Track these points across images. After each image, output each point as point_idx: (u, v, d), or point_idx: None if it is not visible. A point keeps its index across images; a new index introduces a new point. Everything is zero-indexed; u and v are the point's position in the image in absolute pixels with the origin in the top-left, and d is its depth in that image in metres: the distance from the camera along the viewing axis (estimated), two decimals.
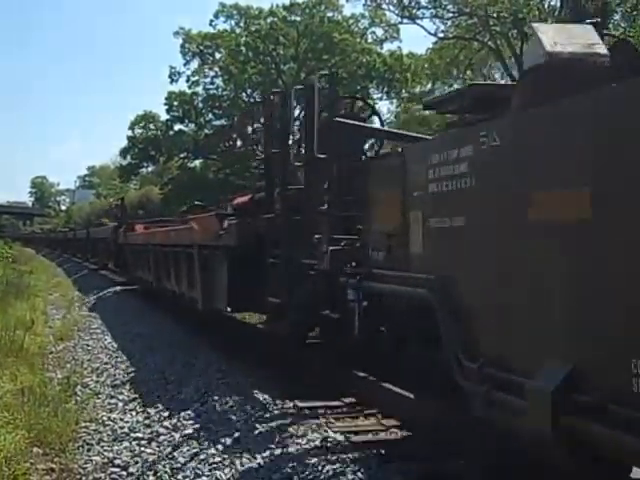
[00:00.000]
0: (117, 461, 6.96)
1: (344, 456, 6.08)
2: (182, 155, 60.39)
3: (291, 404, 7.73)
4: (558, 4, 43.32)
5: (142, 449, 7.20)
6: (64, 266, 40.95)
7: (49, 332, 15.04)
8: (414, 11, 48.80)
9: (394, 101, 58.95)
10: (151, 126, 62.00)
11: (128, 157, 63.27)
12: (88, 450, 7.35)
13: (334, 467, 5.87)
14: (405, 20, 50.77)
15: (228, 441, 6.86)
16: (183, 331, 13.54)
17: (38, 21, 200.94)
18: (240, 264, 10.12)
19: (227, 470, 6.20)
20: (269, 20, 57.16)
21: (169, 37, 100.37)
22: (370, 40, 57.13)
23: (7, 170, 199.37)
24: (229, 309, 11.33)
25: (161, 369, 10.53)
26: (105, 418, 8.41)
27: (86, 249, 38.17)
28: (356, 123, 8.26)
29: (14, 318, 14.72)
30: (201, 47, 58.43)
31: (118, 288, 23.49)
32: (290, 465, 6.05)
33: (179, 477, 6.26)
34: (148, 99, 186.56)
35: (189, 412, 8.08)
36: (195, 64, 59.25)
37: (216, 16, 58.76)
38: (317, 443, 6.47)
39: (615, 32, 32.14)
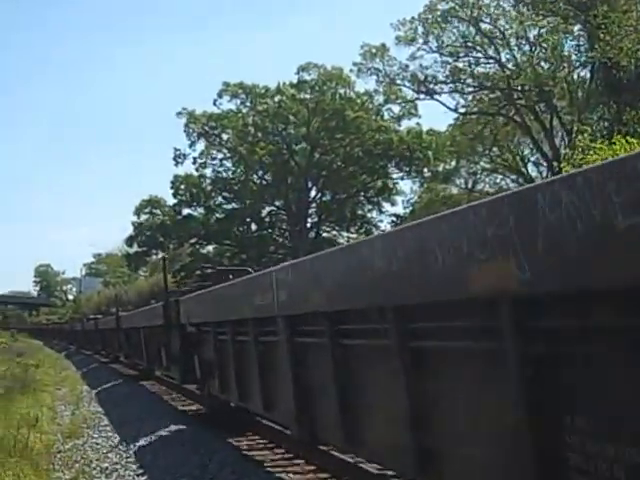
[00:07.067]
0: None
1: None
2: (192, 241, 59.98)
3: None
4: (588, 75, 43.50)
5: None
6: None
7: (57, 429, 14.94)
8: (431, 86, 49.12)
9: (416, 180, 58.29)
10: (157, 211, 61.45)
11: (135, 244, 62.54)
12: None
13: None
14: (422, 96, 51.17)
15: None
16: (199, 429, 13.44)
17: (43, 102, 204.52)
18: None
19: None
20: (277, 98, 57.10)
21: (170, 117, 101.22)
22: (387, 117, 56.78)
23: (8, 258, 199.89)
24: None
25: (173, 470, 10.48)
26: None
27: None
28: None
29: (18, 415, 14.71)
30: (206, 127, 58.40)
31: None
32: None
33: None
34: (152, 181, 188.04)
35: None
36: (201, 145, 59.35)
37: (220, 95, 58.66)
38: None
39: None
